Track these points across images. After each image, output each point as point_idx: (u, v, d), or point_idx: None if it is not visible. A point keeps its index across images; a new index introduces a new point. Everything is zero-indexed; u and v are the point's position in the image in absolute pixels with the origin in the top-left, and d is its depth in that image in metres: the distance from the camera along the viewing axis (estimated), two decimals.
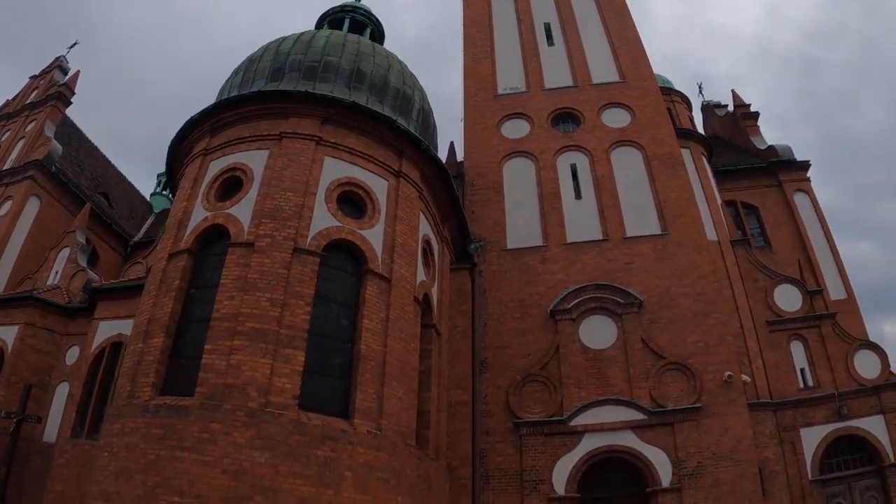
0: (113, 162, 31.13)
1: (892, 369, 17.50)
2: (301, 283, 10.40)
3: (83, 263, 19.80)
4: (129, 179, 32.26)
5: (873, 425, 16.80)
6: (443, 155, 18.63)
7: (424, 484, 11.36)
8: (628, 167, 17.47)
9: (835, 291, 18.74)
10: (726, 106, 25.98)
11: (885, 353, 17.56)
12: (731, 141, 23.95)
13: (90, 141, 29.74)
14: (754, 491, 14.24)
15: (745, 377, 15.46)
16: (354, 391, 10.27)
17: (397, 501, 10.16)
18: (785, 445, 16.34)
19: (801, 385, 17.12)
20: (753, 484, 14.27)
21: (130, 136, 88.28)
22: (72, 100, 26.67)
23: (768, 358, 16.84)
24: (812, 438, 16.51)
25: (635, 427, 14.56)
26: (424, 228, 13.84)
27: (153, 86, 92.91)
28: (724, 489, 14.15)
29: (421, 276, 13.05)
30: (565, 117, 19.26)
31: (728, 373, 14.84)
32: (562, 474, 14.32)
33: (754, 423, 15.77)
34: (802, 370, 17.27)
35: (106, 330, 16.12)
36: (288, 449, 9.15)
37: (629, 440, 14.51)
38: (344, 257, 11.43)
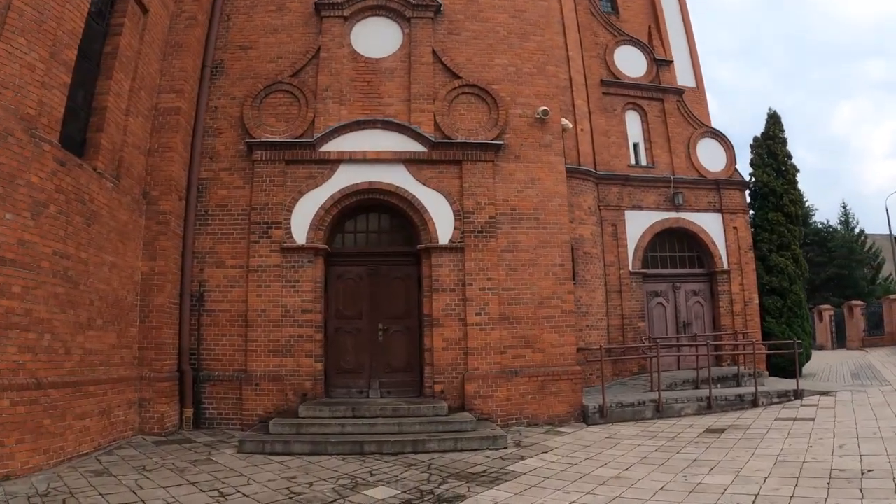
0: None
1: (737, 167, 14.82)
2: None
3: None
4: None
5: (709, 224, 14.09)
6: None
7: (76, 207, 8.00)
8: None
9: (683, 78, 15.64)
10: None
11: (731, 146, 14.77)
12: None
13: None
14: (563, 267, 10.75)
15: (565, 121, 11.85)
16: None
17: (2, 219, 6.68)
18: (605, 226, 13.15)
19: (633, 162, 13.98)
20: (562, 258, 10.79)
21: None
22: None
23: (597, 122, 13.45)
24: (638, 224, 13.47)
25: (409, 161, 10.60)
26: None
27: None
28: (521, 257, 10.60)
29: None
30: None
31: (543, 108, 11.09)
32: (304, 217, 10.34)
33: (571, 194, 12.37)
34: (636, 145, 14.13)
35: None
36: None
37: (400, 178, 10.56)
38: None
